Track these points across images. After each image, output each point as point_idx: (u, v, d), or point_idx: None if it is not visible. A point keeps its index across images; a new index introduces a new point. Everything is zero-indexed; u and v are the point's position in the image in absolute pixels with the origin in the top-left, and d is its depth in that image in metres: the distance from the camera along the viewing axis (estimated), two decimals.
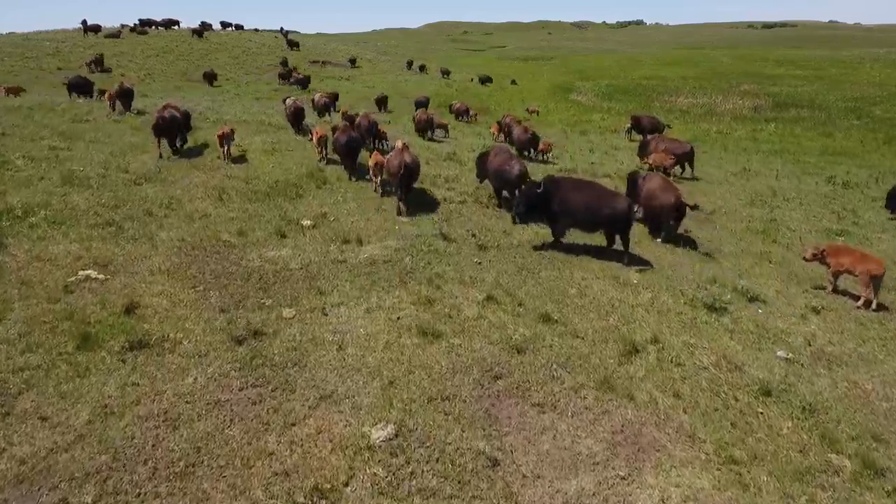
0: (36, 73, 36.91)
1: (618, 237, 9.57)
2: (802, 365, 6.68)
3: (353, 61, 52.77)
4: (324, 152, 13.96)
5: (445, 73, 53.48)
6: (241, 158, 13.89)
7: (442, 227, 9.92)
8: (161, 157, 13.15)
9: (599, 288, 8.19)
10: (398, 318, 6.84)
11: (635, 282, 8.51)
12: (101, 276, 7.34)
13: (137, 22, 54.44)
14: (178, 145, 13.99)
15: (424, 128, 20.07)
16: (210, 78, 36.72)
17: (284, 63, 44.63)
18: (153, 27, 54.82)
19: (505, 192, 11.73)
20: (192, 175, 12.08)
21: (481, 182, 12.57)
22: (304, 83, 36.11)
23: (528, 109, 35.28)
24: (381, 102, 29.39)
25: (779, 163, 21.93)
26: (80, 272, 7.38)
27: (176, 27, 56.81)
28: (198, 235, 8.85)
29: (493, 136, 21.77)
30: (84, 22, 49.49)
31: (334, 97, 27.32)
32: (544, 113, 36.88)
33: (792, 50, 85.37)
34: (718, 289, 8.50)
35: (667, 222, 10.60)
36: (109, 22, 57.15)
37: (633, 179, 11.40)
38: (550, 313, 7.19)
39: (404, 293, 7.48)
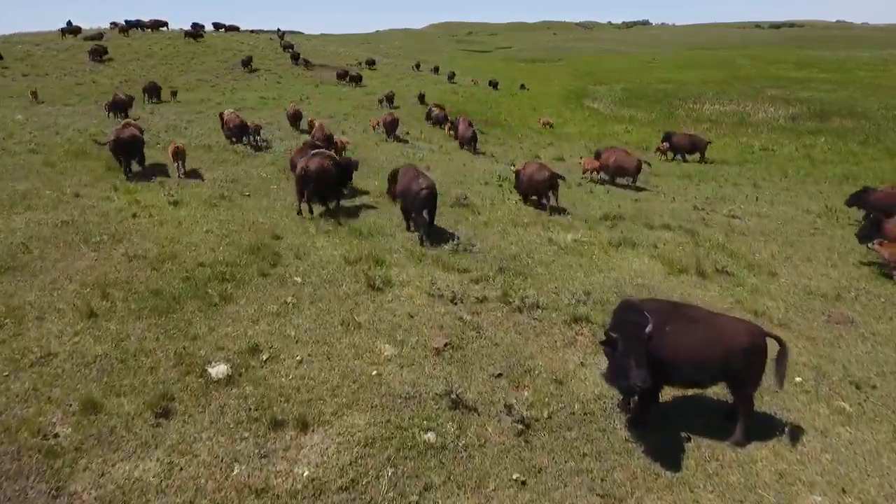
0: None
1: (736, 393, 5.47)
2: None
3: (371, 62, 51.63)
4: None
5: (451, 76, 50.02)
6: (170, 212, 9.95)
7: (450, 374, 5.85)
8: (128, 177, 12.34)
9: None
10: None
11: None
12: None
13: (123, 23, 50.64)
14: (129, 170, 12.82)
15: (390, 129, 21.40)
16: (246, 64, 40.32)
17: (295, 58, 45.32)
18: (140, 28, 51.03)
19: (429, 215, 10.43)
20: (74, 255, 8.01)
21: (393, 200, 11.20)
22: (357, 79, 39.74)
23: (540, 121, 31.26)
24: (422, 98, 32.63)
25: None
26: None
27: (164, 28, 53.15)
28: (2, 421, 4.82)
29: (447, 134, 24.10)
30: (69, 23, 46.08)
31: (390, 97, 30.20)
32: (559, 123, 32.76)
33: (807, 50, 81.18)
34: None
35: (545, 195, 12.66)
36: (111, 23, 55.17)
37: (517, 172, 13.67)
38: None
39: None
